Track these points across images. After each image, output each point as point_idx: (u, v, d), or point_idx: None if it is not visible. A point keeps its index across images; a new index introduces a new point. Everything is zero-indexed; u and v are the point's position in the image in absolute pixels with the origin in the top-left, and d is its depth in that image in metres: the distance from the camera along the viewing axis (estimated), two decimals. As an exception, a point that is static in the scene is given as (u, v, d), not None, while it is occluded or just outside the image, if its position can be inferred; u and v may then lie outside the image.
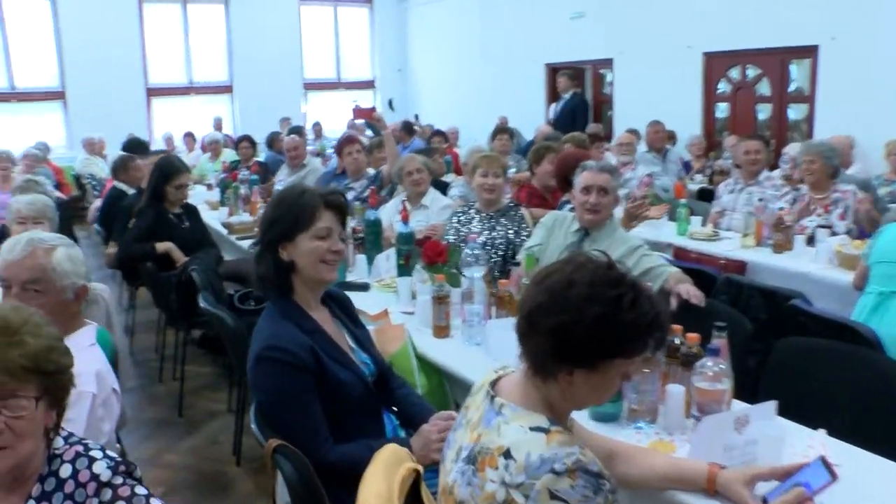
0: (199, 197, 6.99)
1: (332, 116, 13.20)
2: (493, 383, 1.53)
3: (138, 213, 4.44)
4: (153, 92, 12.68)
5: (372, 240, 3.82)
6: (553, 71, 10.97)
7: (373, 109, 5.44)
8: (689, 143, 8.38)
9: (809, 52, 7.69)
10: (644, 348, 1.40)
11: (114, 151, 8.38)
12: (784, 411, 2.07)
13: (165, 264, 4.32)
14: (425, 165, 4.67)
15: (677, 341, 2.08)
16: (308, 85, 14.09)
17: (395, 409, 2.27)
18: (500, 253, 3.85)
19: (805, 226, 4.35)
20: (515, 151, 7.80)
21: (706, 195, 6.35)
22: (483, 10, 12.23)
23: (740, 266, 4.04)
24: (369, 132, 9.93)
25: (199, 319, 3.95)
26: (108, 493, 1.43)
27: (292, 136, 7.43)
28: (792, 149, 6.59)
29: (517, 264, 2.81)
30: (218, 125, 11.57)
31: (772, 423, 1.81)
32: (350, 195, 5.31)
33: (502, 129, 8.15)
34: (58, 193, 7.75)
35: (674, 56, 9.00)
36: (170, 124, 12.11)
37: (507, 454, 1.35)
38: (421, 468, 1.72)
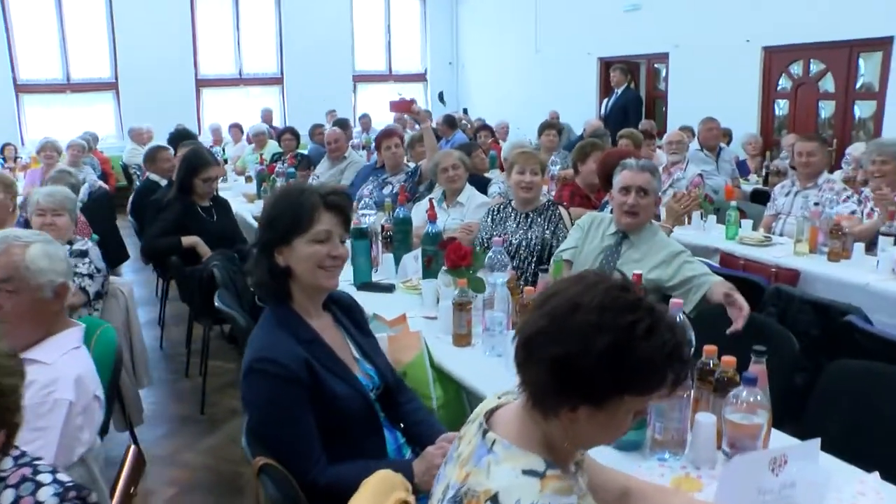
0: (239, 189, 6.95)
1: (381, 109, 13.06)
2: (490, 413, 1.35)
3: (165, 205, 4.36)
4: (203, 83, 12.75)
5: (401, 238, 3.67)
6: (606, 65, 10.66)
7: (412, 102, 5.23)
8: (744, 142, 8.01)
9: (882, 44, 7.25)
10: (661, 384, 1.19)
11: (161, 142, 8.40)
12: (831, 446, 1.84)
13: (192, 258, 4.24)
14: (461, 161, 4.48)
15: (711, 364, 1.86)
16: (358, 77, 14.01)
17: (402, 425, 2.11)
18: (536, 254, 3.66)
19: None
20: (563, 147, 7.55)
21: (761, 197, 6.03)
22: (536, 3, 11.95)
23: (793, 275, 3.75)
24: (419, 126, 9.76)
25: (222, 315, 3.84)
26: None
27: (333, 128, 7.32)
28: (855, 149, 6.22)
29: (545, 270, 2.61)
30: (266, 117, 11.55)
31: (814, 464, 1.58)
32: (387, 190, 5.17)
33: (550, 125, 7.92)
34: (101, 183, 7.80)
35: (731, 50, 8.62)
36: (219, 116, 12.15)
37: (494, 499, 1.17)
38: (412, 499, 1.55)
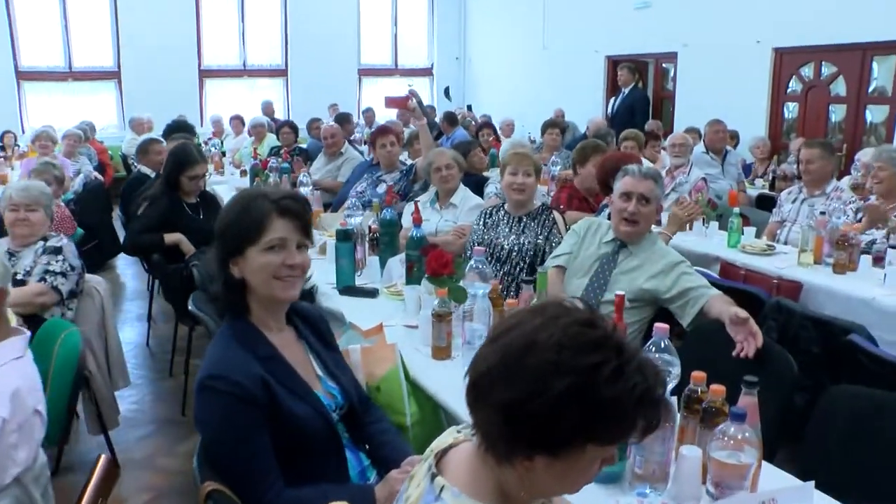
0: (234, 183, 6.83)
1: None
2: (443, 453, 1.21)
3: (150, 200, 4.23)
4: (206, 74, 12.65)
5: (387, 241, 3.53)
6: (614, 64, 10.48)
7: (407, 98, 5.09)
8: (752, 145, 7.84)
9: (895, 47, 7.06)
10: (629, 432, 1.05)
11: (160, 132, 8.28)
12: (828, 478, 1.71)
13: (177, 256, 4.11)
14: (455, 161, 4.34)
15: (699, 391, 1.72)
16: (363, 71, 13.87)
17: (367, 446, 1.98)
18: (528, 260, 3.52)
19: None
20: (566, 147, 7.40)
21: (766, 203, 5.87)
22: (545, -1, 11.81)
23: (795, 287, 3.59)
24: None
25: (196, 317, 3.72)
26: None
27: (330, 123, 7.19)
28: (865, 154, 6.04)
29: (530, 282, 2.47)
30: (267, 109, 11.41)
31: (807, 509, 1.44)
32: (381, 188, 5.04)
33: (553, 123, 7.80)
34: (96, 174, 7.70)
35: (741, 51, 8.44)
36: (222, 107, 12.04)
37: (439, 556, 1.04)
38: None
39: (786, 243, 4.52)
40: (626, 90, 9.48)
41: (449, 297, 2.48)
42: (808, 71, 8.15)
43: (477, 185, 5.18)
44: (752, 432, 1.50)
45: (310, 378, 1.86)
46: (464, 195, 4.35)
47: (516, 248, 3.55)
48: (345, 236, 3.27)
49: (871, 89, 7.63)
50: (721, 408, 1.65)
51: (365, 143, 9.14)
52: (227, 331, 1.81)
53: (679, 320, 2.82)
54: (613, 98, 9.91)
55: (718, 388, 1.65)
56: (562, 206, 4.39)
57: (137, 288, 6.51)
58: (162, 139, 6.14)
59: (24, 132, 10.96)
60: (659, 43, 9.72)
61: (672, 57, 9.73)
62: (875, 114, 7.68)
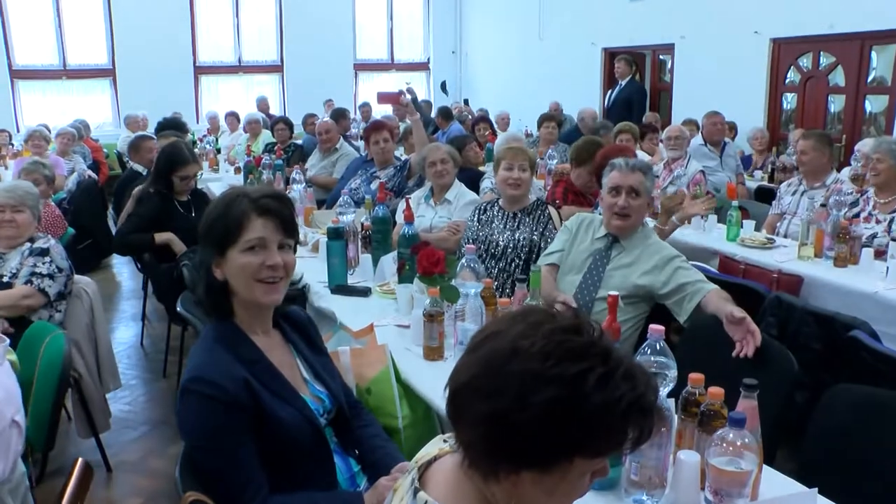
0: (228, 180, 6.76)
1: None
2: (427, 465, 1.16)
3: (140, 199, 4.17)
4: (201, 70, 12.56)
5: (380, 239, 3.47)
6: (611, 56, 10.41)
7: (399, 94, 5.02)
8: (750, 137, 7.77)
9: (894, 36, 6.98)
10: (619, 443, 1.00)
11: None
12: (829, 481, 1.66)
13: (168, 255, 4.05)
14: (450, 155, 4.28)
15: (698, 394, 1.67)
16: (359, 66, 13.78)
17: (357, 451, 1.93)
18: (523, 256, 3.47)
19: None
20: (560, 139, 7.34)
21: (766, 195, 5.81)
22: (541, -9, 11.73)
23: (796, 281, 3.53)
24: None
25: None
26: None
27: (325, 119, 7.12)
28: (864, 145, 5.98)
29: (524, 279, 2.41)
30: (262, 105, 11.33)
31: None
32: (375, 185, 4.97)
33: (549, 117, 7.73)
34: (90, 173, 7.64)
35: (739, 42, 8.36)
36: (218, 103, 11.98)
37: (420, 578, 0.99)
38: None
39: (786, 236, 4.46)
40: (623, 82, 9.42)
41: (441, 296, 2.43)
42: (806, 61, 8.08)
43: (471, 180, 5.11)
44: (751, 438, 1.45)
45: (296, 382, 1.81)
46: (459, 191, 4.29)
47: (511, 245, 3.49)
48: (336, 234, 3.22)
49: (870, 79, 7.56)
50: (720, 411, 1.59)
51: (361, 139, 9.07)
52: (211, 333, 1.75)
53: (675, 316, 2.77)
54: (610, 90, 9.85)
55: (717, 391, 1.60)
56: (557, 201, 4.33)
57: (132, 287, 6.46)
58: (153, 135, 6.06)
59: (18, 131, 10.88)
60: (656, 34, 9.65)
61: (669, 48, 9.66)
62: (874, 104, 7.60)
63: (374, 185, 4.91)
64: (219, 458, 1.64)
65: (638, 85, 9.63)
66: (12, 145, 9.37)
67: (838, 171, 5.15)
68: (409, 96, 5.19)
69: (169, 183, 4.14)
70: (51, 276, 3.20)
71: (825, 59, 7.89)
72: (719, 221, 4.49)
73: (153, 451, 3.64)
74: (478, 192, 4.83)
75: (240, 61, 12.89)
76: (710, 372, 1.70)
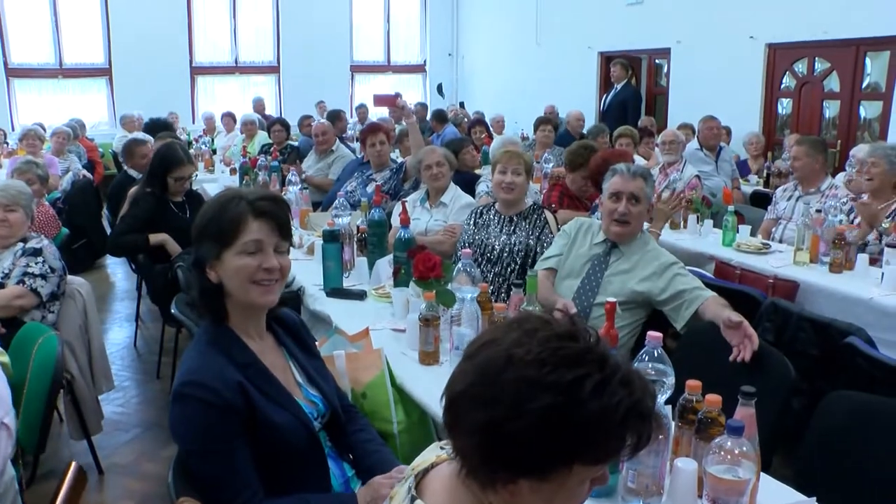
0: (224, 181, 6.75)
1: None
2: (424, 473, 1.15)
3: (134, 200, 4.15)
4: (198, 70, 12.53)
5: (375, 241, 3.46)
6: (607, 60, 10.41)
7: (396, 96, 5.02)
8: (746, 141, 7.78)
9: (889, 43, 6.99)
10: (618, 449, 0.99)
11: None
12: (828, 489, 1.65)
13: (163, 256, 4.03)
14: (446, 159, 4.27)
15: (695, 400, 1.66)
16: (356, 67, 13.77)
17: (351, 456, 1.91)
18: (519, 261, 3.46)
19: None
20: (555, 142, 7.34)
21: (761, 200, 5.82)
22: (538, -6, 11.74)
23: (791, 287, 3.54)
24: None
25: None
26: None
27: (321, 120, 7.11)
28: (859, 150, 5.99)
29: (521, 284, 2.40)
30: (258, 106, 11.31)
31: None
32: (371, 187, 4.96)
33: (546, 120, 7.73)
34: (85, 173, 7.61)
35: (734, 47, 8.38)
36: (214, 104, 11.94)
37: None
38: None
39: (781, 241, 4.46)
40: (619, 86, 9.42)
41: (437, 300, 2.42)
42: (801, 67, 8.10)
43: (467, 183, 5.10)
44: (749, 446, 1.44)
45: (290, 385, 1.79)
46: (454, 194, 4.28)
47: (507, 249, 3.48)
48: (332, 237, 3.20)
49: (864, 85, 7.58)
50: (717, 418, 1.58)
51: (357, 141, 9.06)
52: (204, 336, 1.74)
53: (673, 323, 2.76)
54: (606, 94, 9.85)
55: (715, 398, 1.59)
56: (553, 205, 4.33)
57: (126, 288, 6.43)
58: (149, 138, 6.02)
59: (13, 129, 10.84)
60: (652, 39, 9.65)
61: (665, 53, 9.67)
62: (868, 109, 7.63)
63: (370, 188, 4.90)
64: (212, 463, 1.63)
65: (633, 89, 9.64)
66: (7, 144, 9.34)
67: (833, 176, 5.16)
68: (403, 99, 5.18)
69: (164, 184, 4.12)
70: (43, 277, 3.17)
71: (820, 65, 7.92)
72: (715, 226, 4.49)
73: (145, 454, 3.62)
74: (473, 196, 4.82)
75: (236, 62, 12.86)
76: (706, 378, 1.70)
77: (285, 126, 8.08)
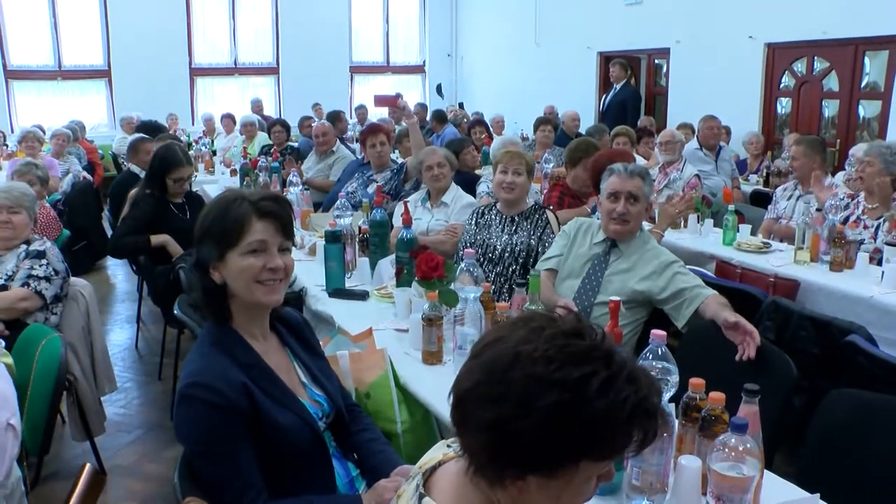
0: (224, 182, 6.76)
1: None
2: (432, 471, 1.15)
3: (135, 202, 4.15)
4: (197, 72, 12.54)
5: (377, 242, 3.46)
6: (606, 60, 10.43)
7: (397, 97, 5.02)
8: (746, 141, 7.80)
9: (888, 42, 7.01)
10: (624, 446, 1.00)
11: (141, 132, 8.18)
12: (830, 485, 1.66)
13: (164, 257, 4.04)
14: (447, 159, 4.28)
15: (698, 398, 1.67)
16: (355, 68, 13.78)
17: (355, 456, 1.92)
18: (520, 261, 3.46)
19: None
20: (554, 143, 7.35)
21: (761, 199, 5.83)
22: (537, -6, 11.75)
23: (792, 285, 3.54)
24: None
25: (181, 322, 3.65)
26: None
27: (322, 121, 7.12)
28: (858, 149, 6.00)
29: (524, 284, 2.41)
30: (256, 107, 11.32)
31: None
32: (372, 188, 4.97)
33: (545, 120, 7.74)
34: (85, 174, 7.62)
35: (734, 46, 8.39)
36: (213, 105, 11.95)
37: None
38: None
39: (781, 240, 4.47)
40: (618, 86, 9.44)
41: (440, 300, 2.42)
42: (800, 66, 8.11)
43: (467, 183, 5.11)
44: (753, 443, 1.45)
45: (294, 386, 1.80)
46: (455, 194, 4.29)
47: (508, 249, 3.49)
48: (334, 237, 3.21)
49: (863, 84, 7.60)
50: (721, 416, 1.59)
51: (357, 141, 9.07)
52: (208, 337, 1.74)
53: (674, 322, 2.77)
54: (605, 94, 9.86)
55: (718, 396, 1.60)
56: (552, 206, 4.33)
57: (127, 289, 6.44)
58: (150, 139, 6.04)
59: (12, 131, 10.85)
60: (651, 39, 9.67)
61: (664, 53, 9.68)
62: (867, 109, 7.64)
63: (370, 189, 4.91)
64: (217, 464, 1.63)
65: (633, 89, 9.65)
66: (6, 146, 9.34)
67: (832, 175, 5.17)
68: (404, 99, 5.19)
69: (163, 185, 4.12)
70: (47, 279, 3.18)
71: (819, 65, 7.93)
72: (716, 225, 4.50)
73: (148, 455, 3.62)
74: (474, 196, 4.83)
75: (236, 63, 12.87)
76: (708, 376, 1.70)
77: (286, 127, 8.09)
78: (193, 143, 9.03)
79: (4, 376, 1.84)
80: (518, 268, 3.45)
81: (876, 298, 3.27)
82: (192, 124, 11.74)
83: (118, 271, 7.00)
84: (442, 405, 2.16)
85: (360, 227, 3.66)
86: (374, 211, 3.54)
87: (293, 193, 4.76)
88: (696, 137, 6.85)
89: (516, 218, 3.57)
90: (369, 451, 1.89)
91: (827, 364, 2.72)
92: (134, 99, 11.19)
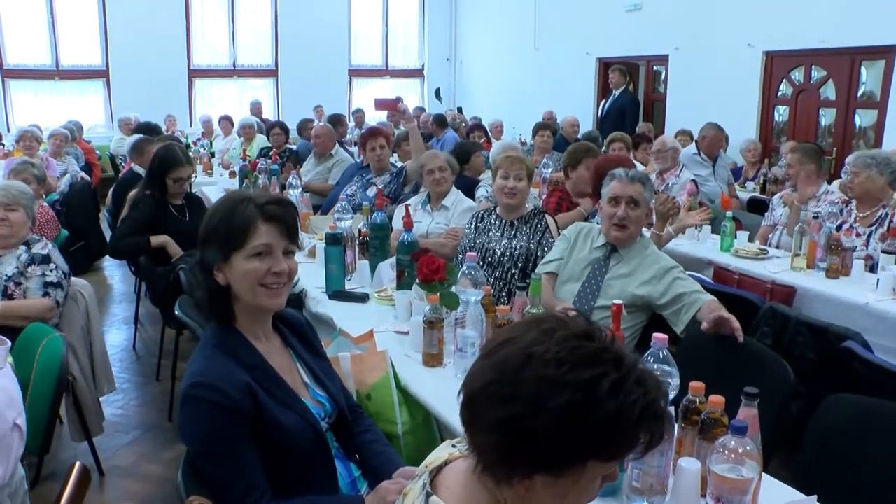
0: (223, 184, 6.77)
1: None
2: (438, 470, 1.17)
3: (134, 203, 4.16)
4: (196, 73, 12.55)
5: (377, 244, 3.48)
6: (605, 66, 10.47)
7: (397, 100, 5.04)
8: (743, 148, 7.83)
9: (885, 52, 7.06)
10: (631, 447, 1.02)
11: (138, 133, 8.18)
12: (827, 489, 1.68)
13: (164, 258, 4.05)
14: (448, 163, 4.30)
15: (698, 401, 1.69)
16: (354, 72, 13.80)
17: (357, 456, 1.93)
18: (520, 265, 3.48)
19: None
20: (553, 148, 7.37)
21: (758, 206, 5.86)
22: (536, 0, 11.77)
23: (788, 292, 3.57)
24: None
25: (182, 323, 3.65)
26: None
27: (321, 124, 7.13)
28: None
29: (524, 287, 2.43)
30: (255, 109, 11.33)
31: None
32: (371, 191, 4.98)
33: (544, 126, 7.76)
34: (83, 174, 7.62)
35: (732, 54, 8.43)
36: (212, 107, 11.96)
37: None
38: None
39: (778, 247, 4.50)
40: (617, 92, 9.47)
41: (440, 303, 2.44)
42: (798, 75, 8.16)
43: (466, 188, 5.12)
44: (752, 445, 1.47)
45: (297, 386, 1.81)
46: (456, 197, 4.30)
47: (508, 253, 3.51)
48: (334, 240, 3.22)
49: (859, 93, 7.64)
50: (720, 419, 1.61)
51: (355, 145, 9.08)
52: (211, 338, 1.75)
53: (673, 327, 2.79)
54: (604, 100, 9.90)
55: (718, 399, 1.62)
56: (550, 212, 4.34)
57: (125, 290, 6.44)
58: (154, 139, 6.04)
59: (9, 131, 10.83)
60: (650, 45, 9.70)
61: (663, 59, 9.72)
62: (864, 118, 7.68)
63: (370, 192, 4.93)
64: (220, 464, 1.64)
65: (631, 95, 9.69)
66: (3, 145, 9.33)
67: (829, 183, 5.20)
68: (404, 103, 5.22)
69: (163, 185, 4.14)
70: (59, 285, 3.19)
71: (816, 73, 7.98)
72: (713, 232, 4.52)
73: (146, 456, 3.63)
74: (473, 200, 4.84)
75: (234, 65, 12.88)
76: (706, 381, 1.72)
77: (284, 129, 8.10)
78: (192, 145, 9.04)
79: (10, 377, 1.85)
80: (517, 272, 3.47)
81: (871, 305, 3.30)
82: (191, 126, 11.73)
83: (115, 272, 7.00)
84: (442, 407, 2.18)
85: (360, 230, 3.67)
86: (374, 214, 3.56)
87: (293, 196, 4.77)
88: (694, 143, 6.88)
89: (516, 222, 3.58)
90: (371, 453, 1.91)
91: (824, 369, 2.74)
92: (132, 100, 11.18)
